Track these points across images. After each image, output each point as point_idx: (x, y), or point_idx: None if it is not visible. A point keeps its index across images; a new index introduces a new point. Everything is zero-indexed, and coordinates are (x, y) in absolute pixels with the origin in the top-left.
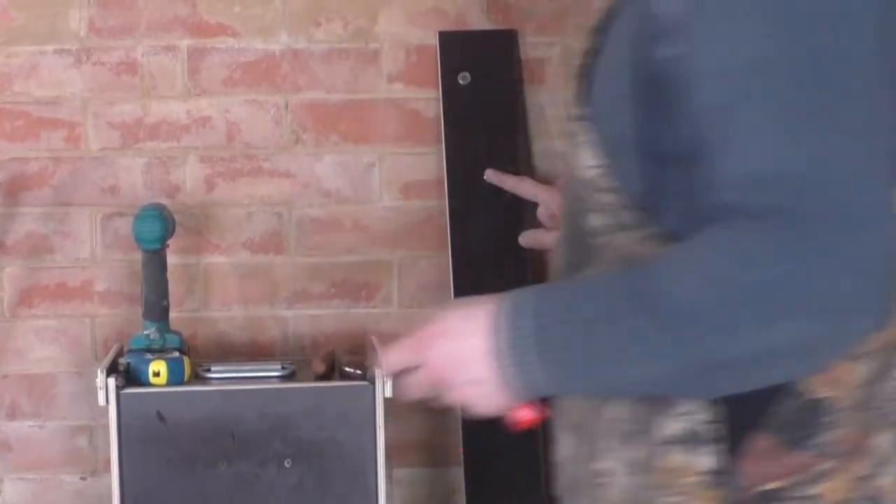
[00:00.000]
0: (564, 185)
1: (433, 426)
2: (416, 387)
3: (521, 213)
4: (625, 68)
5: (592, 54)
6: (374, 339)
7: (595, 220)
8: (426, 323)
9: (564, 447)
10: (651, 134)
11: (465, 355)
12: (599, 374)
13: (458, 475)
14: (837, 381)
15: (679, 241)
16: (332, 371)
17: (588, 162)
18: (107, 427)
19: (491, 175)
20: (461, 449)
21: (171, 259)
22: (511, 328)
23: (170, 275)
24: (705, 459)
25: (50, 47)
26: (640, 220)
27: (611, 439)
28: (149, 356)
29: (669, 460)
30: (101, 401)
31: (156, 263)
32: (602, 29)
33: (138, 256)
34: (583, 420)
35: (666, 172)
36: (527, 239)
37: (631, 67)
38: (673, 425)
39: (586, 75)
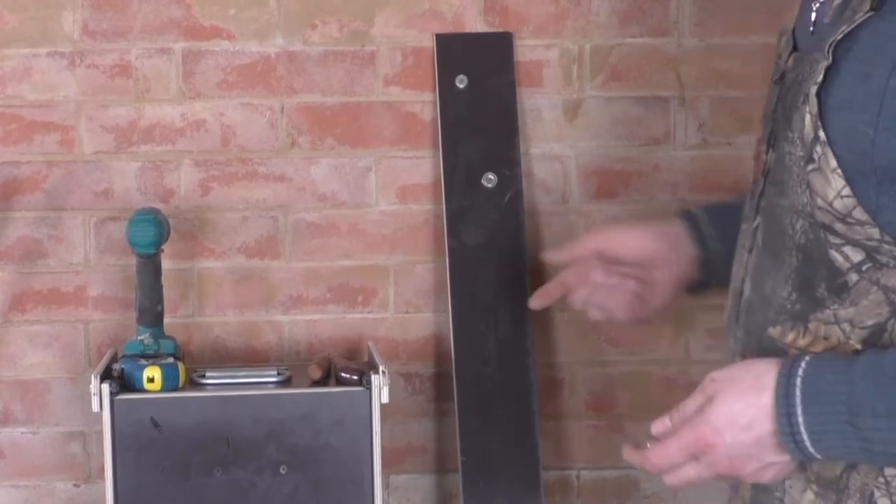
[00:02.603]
0: (774, 207)
1: (430, 432)
2: (695, 478)
3: (520, 217)
4: None
5: (824, 72)
6: (371, 345)
7: (849, 255)
8: (698, 411)
9: (805, 501)
10: None
11: (757, 448)
12: None
13: (455, 482)
14: None
15: None
16: (328, 377)
17: (835, 191)
18: (100, 433)
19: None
20: (459, 455)
21: (166, 264)
22: (814, 412)
23: (164, 280)
24: None
25: (43, 50)
26: None
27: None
28: (143, 362)
29: None
30: (95, 407)
31: (150, 268)
32: (839, 44)
33: (132, 261)
34: (843, 476)
35: None
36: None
37: None
38: None
39: (818, 95)
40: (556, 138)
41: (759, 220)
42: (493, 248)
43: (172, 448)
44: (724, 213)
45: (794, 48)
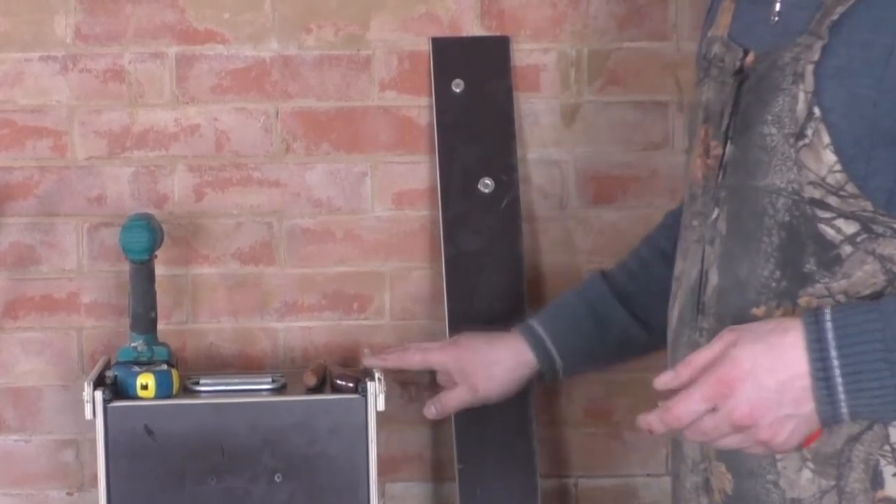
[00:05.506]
0: (745, 192)
1: (427, 440)
2: (711, 431)
3: (517, 223)
4: None
5: (820, 51)
6: (367, 351)
7: (841, 228)
8: (710, 361)
9: (802, 480)
10: None
11: (779, 393)
12: None
13: (452, 490)
14: None
15: None
16: (323, 384)
17: (827, 167)
18: (94, 441)
19: (370, 359)
20: (456, 463)
21: (159, 270)
22: (850, 352)
23: (158, 286)
24: None
25: (35, 54)
26: None
27: None
28: (136, 369)
29: None
30: (88, 414)
31: (143, 274)
32: (834, 24)
33: (125, 267)
34: (845, 449)
35: None
36: (433, 409)
37: None
38: None
39: (814, 73)
40: (554, 143)
41: (717, 211)
42: (489, 254)
43: (166, 456)
44: (556, 316)
45: (744, 49)
